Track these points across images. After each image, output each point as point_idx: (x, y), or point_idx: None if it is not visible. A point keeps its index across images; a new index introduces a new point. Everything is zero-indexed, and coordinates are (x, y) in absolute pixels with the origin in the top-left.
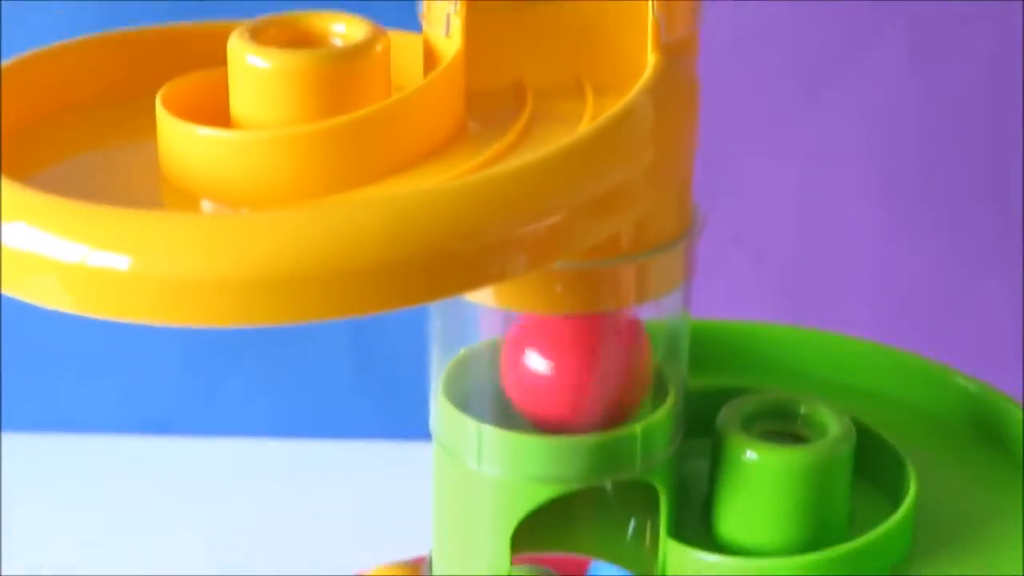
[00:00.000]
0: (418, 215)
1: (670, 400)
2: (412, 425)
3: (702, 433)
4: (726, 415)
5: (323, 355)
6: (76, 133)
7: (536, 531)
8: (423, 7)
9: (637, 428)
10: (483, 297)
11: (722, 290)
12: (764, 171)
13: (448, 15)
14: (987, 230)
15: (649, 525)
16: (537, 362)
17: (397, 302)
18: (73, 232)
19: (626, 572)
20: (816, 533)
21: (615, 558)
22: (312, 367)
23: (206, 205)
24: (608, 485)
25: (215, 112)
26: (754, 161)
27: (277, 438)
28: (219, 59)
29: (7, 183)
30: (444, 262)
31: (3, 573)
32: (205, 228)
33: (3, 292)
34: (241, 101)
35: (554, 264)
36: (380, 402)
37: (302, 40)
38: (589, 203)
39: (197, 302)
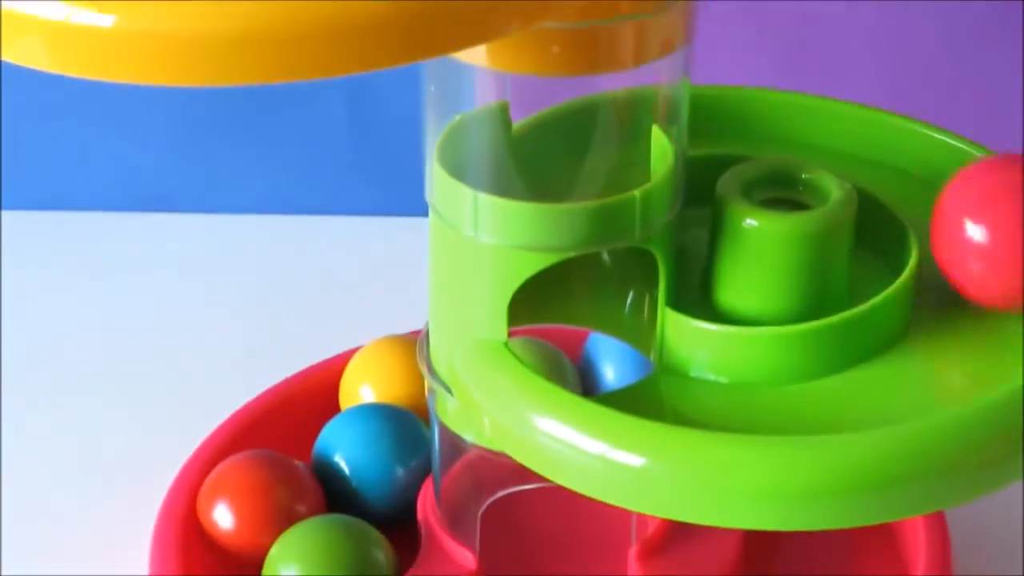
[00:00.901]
0: None
1: (669, 164)
2: (409, 201)
3: (702, 202)
4: (726, 182)
5: (320, 132)
6: None
7: (534, 304)
8: None
9: (636, 193)
10: (477, 58)
11: (722, 57)
12: None
13: None
14: None
15: (647, 296)
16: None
17: (387, 60)
18: None
19: (624, 343)
20: (816, 302)
21: (613, 330)
22: (309, 144)
23: None
24: (606, 256)
25: None
26: None
27: (274, 214)
28: None
29: None
30: (436, 17)
31: (3, 349)
32: None
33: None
34: None
35: (549, 23)
36: (376, 178)
37: None
38: None
39: (182, 58)
